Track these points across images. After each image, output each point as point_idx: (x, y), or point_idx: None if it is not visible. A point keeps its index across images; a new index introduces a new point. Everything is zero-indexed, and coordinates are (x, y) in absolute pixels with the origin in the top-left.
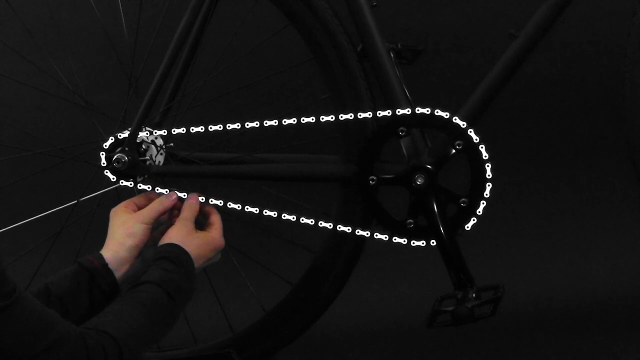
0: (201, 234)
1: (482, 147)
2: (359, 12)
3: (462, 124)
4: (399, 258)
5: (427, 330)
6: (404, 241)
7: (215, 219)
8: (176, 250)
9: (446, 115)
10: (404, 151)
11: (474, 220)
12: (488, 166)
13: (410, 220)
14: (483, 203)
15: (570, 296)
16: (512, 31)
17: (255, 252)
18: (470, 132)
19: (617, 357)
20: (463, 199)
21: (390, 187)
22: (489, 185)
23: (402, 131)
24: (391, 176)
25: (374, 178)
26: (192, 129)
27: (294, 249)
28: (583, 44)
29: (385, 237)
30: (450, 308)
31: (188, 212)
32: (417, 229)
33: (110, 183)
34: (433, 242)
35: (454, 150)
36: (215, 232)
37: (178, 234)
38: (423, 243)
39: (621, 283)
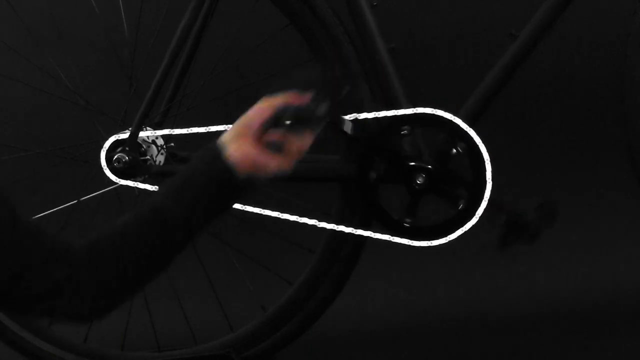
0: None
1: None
2: (359, 12)
3: (463, 123)
4: (399, 257)
5: (427, 330)
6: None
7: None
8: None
9: (446, 115)
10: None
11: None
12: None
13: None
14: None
15: (571, 296)
16: (512, 31)
17: (255, 252)
18: (471, 131)
19: (617, 357)
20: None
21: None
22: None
23: (402, 131)
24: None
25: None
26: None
27: (294, 249)
28: (583, 44)
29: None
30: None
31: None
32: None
33: (111, 183)
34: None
35: (454, 150)
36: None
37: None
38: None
39: (621, 283)
